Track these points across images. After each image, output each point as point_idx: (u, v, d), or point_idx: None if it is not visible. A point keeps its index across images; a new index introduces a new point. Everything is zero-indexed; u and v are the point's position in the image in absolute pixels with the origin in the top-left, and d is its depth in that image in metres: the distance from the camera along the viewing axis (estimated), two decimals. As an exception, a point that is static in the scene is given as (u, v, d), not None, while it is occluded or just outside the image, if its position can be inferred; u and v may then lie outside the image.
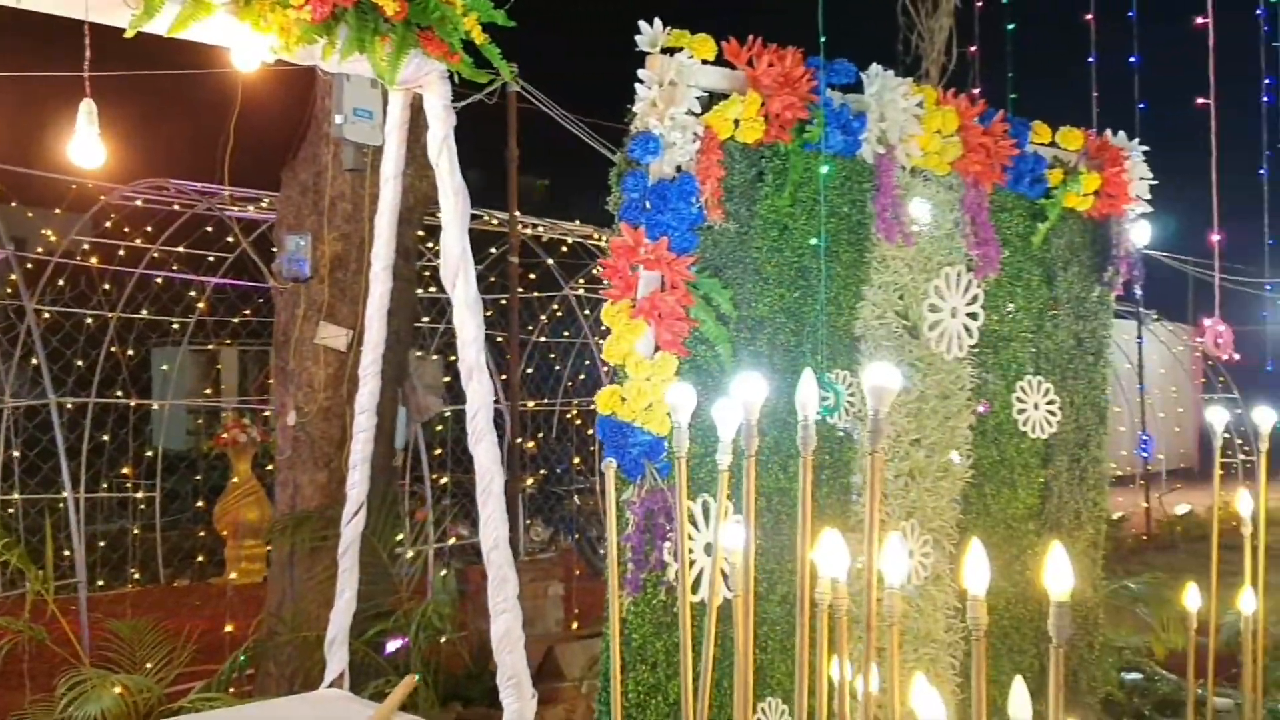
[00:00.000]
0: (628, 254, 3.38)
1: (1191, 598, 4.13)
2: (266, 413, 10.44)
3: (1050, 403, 4.32)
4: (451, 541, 8.53)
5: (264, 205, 9.08)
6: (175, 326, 10.78)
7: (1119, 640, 6.95)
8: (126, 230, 9.90)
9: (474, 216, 10.19)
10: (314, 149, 5.99)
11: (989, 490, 4.16)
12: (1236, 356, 4.86)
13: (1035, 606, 4.27)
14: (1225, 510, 3.89)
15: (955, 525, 4.06)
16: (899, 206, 3.85)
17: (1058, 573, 2.02)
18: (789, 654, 3.72)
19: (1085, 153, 4.33)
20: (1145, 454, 12.11)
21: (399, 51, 3.07)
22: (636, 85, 3.42)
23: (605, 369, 3.50)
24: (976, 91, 5.00)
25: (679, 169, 3.45)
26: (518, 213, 8.18)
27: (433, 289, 9.70)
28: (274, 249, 6.58)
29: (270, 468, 8.65)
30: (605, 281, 3.46)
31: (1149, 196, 4.47)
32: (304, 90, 6.24)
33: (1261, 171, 11.53)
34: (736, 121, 3.54)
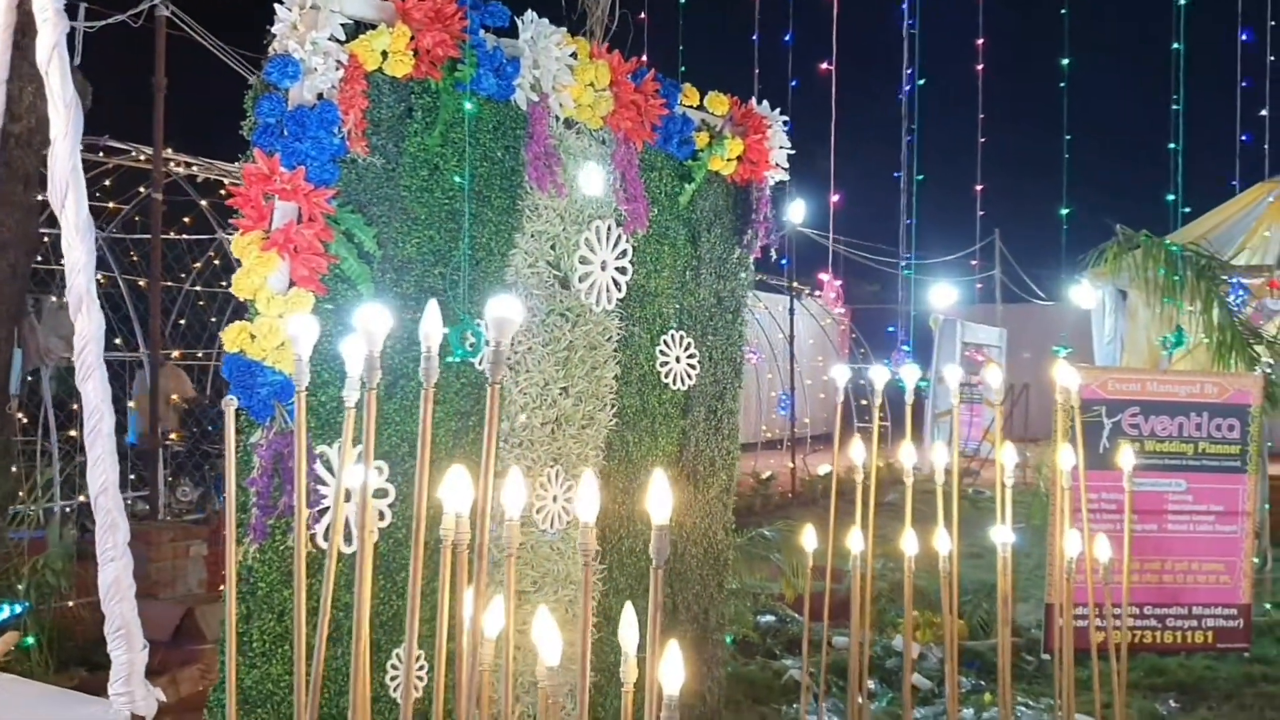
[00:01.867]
0: (261, 182, 3.20)
1: (809, 539, 4.47)
2: None
3: (691, 356, 4.51)
4: (82, 499, 7.86)
5: None
6: None
7: (756, 586, 7.44)
8: None
9: (122, 151, 9.34)
10: (-90, 54, 5.27)
11: (631, 438, 4.29)
12: (842, 310, 5.26)
13: (670, 549, 4.46)
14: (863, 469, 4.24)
15: (599, 472, 4.15)
16: (551, 156, 3.87)
17: (658, 500, 2.10)
18: (427, 599, 3.68)
19: (731, 118, 4.53)
20: (785, 411, 13.01)
21: (-5, -62, 2.73)
22: (277, 6, 3.24)
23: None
24: (645, 59, 5.11)
25: (320, 97, 3.29)
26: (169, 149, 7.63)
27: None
28: None
29: None
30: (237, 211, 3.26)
31: (787, 165, 4.75)
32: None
33: (903, 155, 12.75)
34: (385, 54, 3.43)
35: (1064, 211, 11.69)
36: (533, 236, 3.91)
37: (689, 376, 4.51)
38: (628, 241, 4.21)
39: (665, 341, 4.43)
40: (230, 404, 2.84)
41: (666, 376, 4.43)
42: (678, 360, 4.47)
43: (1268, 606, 7.91)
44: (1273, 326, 10.05)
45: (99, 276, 9.90)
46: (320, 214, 3.28)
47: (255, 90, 3.26)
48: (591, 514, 2.17)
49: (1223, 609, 6.96)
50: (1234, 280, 7.97)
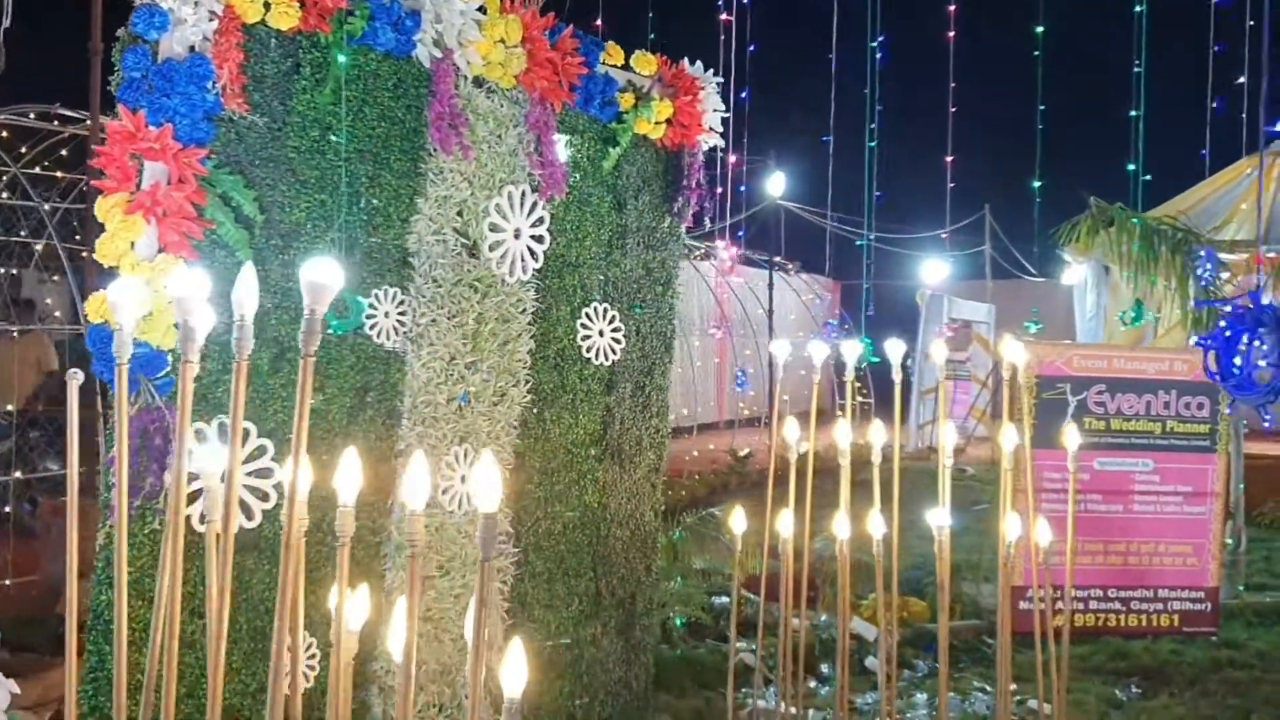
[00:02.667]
0: (125, 140, 2.99)
1: (737, 521, 4.30)
2: None
3: (616, 330, 4.30)
4: (17, 475, 7.68)
5: None
6: None
7: (711, 566, 7.25)
8: None
9: (75, 120, 9.03)
10: None
11: (549, 416, 4.09)
12: (740, 279, 5.01)
13: (593, 531, 4.28)
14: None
15: (512, 451, 3.96)
16: (457, 115, 3.65)
17: (485, 486, 1.91)
18: (324, 587, 3.50)
19: (659, 79, 4.30)
20: (741, 388, 12.81)
21: None
22: (146, -49, 3.02)
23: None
24: (599, 22, 4.87)
25: (193, 49, 3.08)
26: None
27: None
28: None
29: None
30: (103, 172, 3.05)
31: (721, 129, 4.53)
32: None
33: (872, 125, 12.47)
34: (268, 5, 3.21)
35: (1036, 184, 11.43)
36: (437, 202, 3.70)
37: (613, 351, 4.30)
38: (545, 208, 3.99)
39: (587, 314, 4.22)
40: (74, 378, 2.63)
41: (589, 351, 4.22)
42: (601, 334, 4.26)
43: (1241, 589, 7.73)
44: (1259, 304, 9.81)
45: (37, 246, 9.63)
46: (192, 175, 3.08)
47: (121, 42, 3.05)
48: (420, 500, 1.98)
49: (1189, 592, 6.78)
50: (1204, 251, 7.73)
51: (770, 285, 13.21)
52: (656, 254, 4.45)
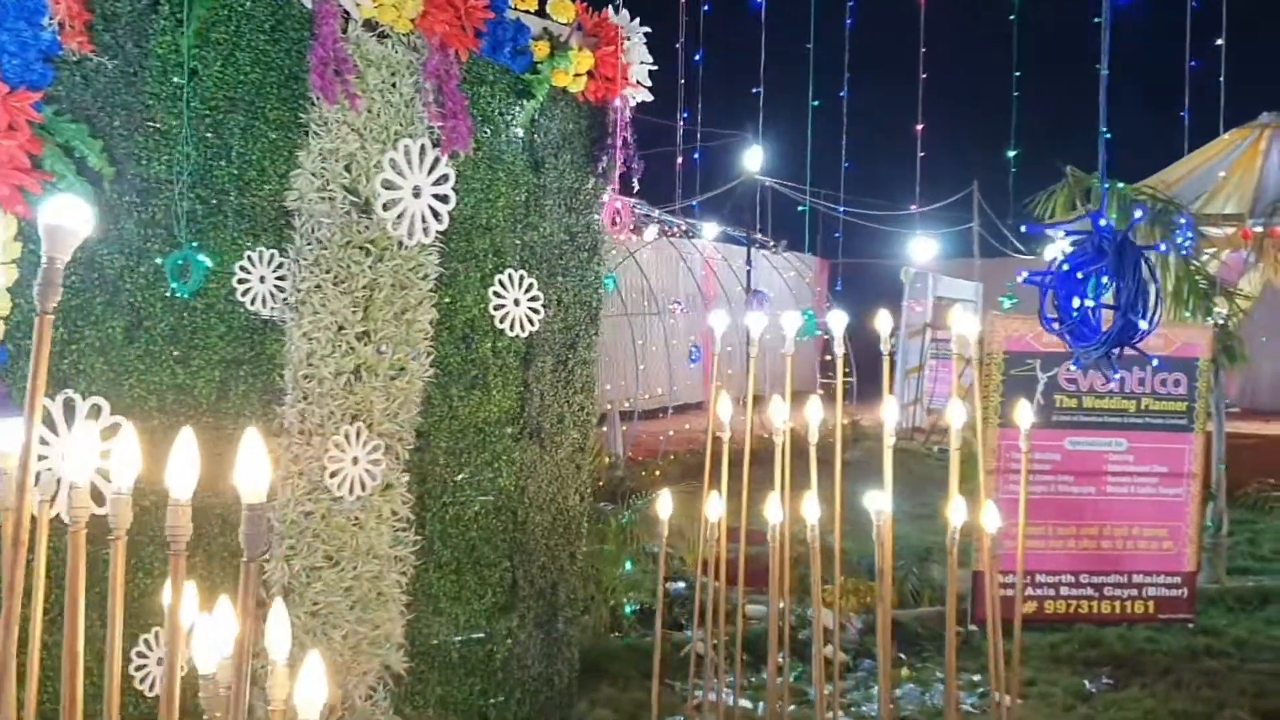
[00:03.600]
0: (-59, 81, 2.67)
1: (663, 506, 4.02)
2: None
3: (534, 299, 3.97)
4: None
5: None
6: None
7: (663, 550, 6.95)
8: None
9: None
10: None
11: (456, 392, 3.77)
12: (634, 236, 4.64)
13: (510, 517, 3.97)
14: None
15: (413, 430, 3.64)
16: (342, 61, 3.32)
17: (248, 471, 1.59)
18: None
19: (578, 27, 3.96)
20: (694, 363, 12.48)
21: None
22: None
23: None
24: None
25: (23, -19, 2.75)
26: None
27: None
28: None
29: None
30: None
31: (649, 83, 4.19)
32: None
33: (842, 94, 12.12)
34: (115, -66, 2.88)
35: (1011, 154, 11.07)
36: (321, 155, 3.37)
37: (531, 321, 3.98)
38: (448, 165, 3.66)
39: (501, 282, 3.89)
40: None
41: (502, 321, 3.90)
42: (516, 303, 3.93)
43: (1224, 573, 7.42)
44: (1247, 283, 9.50)
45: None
46: (25, 121, 2.75)
47: (-61, -28, 2.72)
48: (127, 478, 1.66)
49: (1165, 577, 6.48)
50: (1183, 220, 7.39)
51: (749, 262, 12.87)
52: (580, 217, 4.12)
